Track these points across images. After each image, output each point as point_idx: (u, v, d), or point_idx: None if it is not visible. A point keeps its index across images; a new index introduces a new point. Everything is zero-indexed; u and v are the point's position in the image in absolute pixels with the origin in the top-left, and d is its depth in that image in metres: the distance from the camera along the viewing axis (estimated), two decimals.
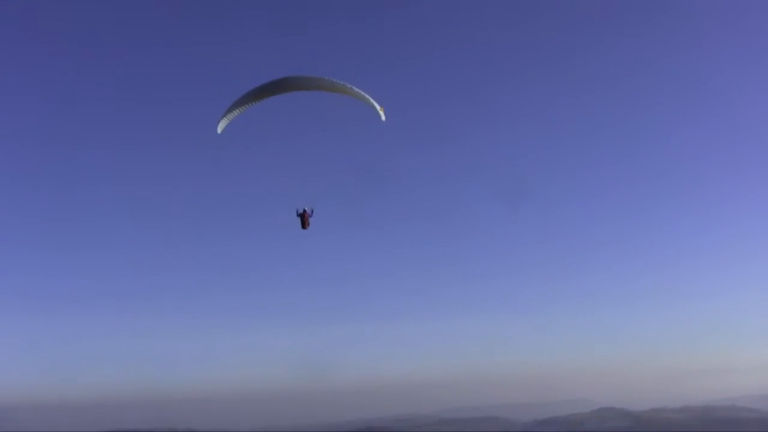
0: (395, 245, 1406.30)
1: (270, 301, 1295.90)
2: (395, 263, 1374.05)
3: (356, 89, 49.92)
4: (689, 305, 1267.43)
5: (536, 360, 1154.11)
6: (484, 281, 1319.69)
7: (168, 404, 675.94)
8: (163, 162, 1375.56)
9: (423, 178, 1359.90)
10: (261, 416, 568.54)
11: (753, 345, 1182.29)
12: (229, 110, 50.90)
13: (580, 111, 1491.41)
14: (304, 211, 54.65)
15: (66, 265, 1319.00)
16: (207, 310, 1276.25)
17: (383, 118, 51.40)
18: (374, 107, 51.01)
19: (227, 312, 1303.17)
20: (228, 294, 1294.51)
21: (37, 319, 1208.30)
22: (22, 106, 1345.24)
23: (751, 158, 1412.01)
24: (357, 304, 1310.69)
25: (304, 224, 54.75)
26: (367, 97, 50.50)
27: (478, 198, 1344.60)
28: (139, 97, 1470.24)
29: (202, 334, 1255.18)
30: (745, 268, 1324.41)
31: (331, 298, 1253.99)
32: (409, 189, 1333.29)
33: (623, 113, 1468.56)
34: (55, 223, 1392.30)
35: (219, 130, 51.44)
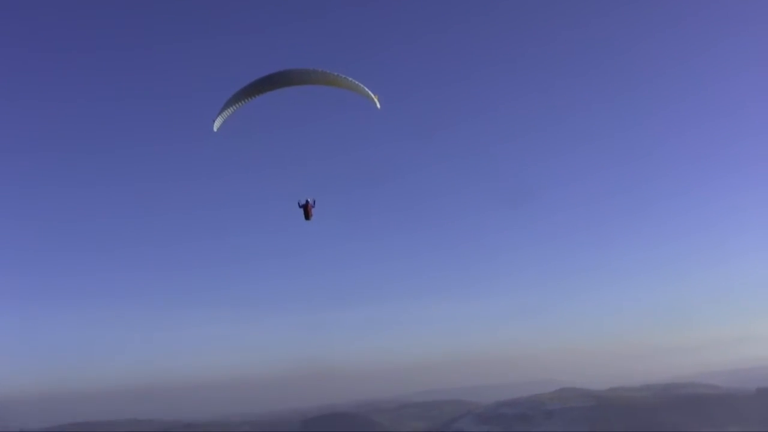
0: (365, 232, 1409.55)
1: (231, 292, 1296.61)
2: (361, 249, 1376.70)
3: (350, 79, 49.43)
4: (648, 285, 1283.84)
5: (496, 342, 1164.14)
6: (448, 268, 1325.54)
7: (128, 394, 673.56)
8: (157, 159, 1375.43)
9: (412, 172, 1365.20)
10: (210, 405, 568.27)
11: (711, 323, 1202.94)
12: (224, 108, 50.41)
13: (566, 100, 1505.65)
14: (307, 202, 54.21)
15: (61, 262, 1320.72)
16: (187, 302, 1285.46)
17: (378, 105, 51.15)
18: (369, 96, 50.71)
19: (188, 303, 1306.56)
20: (197, 285, 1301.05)
21: (32, 313, 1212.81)
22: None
23: (711, 154, 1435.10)
24: (320, 291, 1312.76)
25: (308, 215, 54.40)
26: (362, 86, 50.07)
27: (454, 187, 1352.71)
28: (131, 95, 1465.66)
29: (173, 328, 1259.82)
30: (703, 250, 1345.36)
31: (295, 287, 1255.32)
32: (395, 183, 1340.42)
33: (609, 101, 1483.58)
34: (52, 222, 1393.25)
35: (215, 128, 51.07)
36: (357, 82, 49.88)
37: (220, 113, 50.42)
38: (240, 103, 49.94)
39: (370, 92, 50.61)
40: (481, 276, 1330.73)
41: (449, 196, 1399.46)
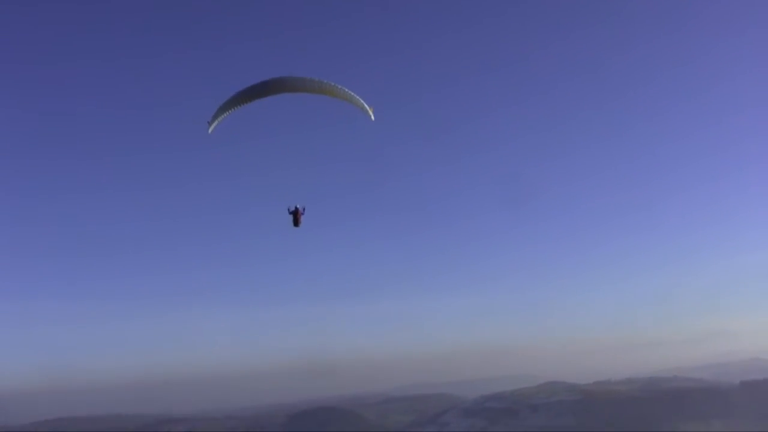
0: (349, 230, 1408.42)
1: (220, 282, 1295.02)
2: (347, 246, 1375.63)
3: (346, 90, 50.10)
4: (630, 279, 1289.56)
5: (479, 337, 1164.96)
6: (433, 260, 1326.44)
7: (113, 390, 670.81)
8: (162, 163, 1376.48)
9: (412, 173, 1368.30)
10: (195, 400, 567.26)
11: (692, 317, 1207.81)
12: (219, 111, 51.08)
13: (566, 100, 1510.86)
14: (296, 208, 54.55)
15: (60, 260, 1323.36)
16: (170, 298, 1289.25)
17: (372, 118, 51.55)
18: (363, 108, 51.30)
19: (172, 298, 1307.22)
20: (181, 282, 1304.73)
21: (20, 308, 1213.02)
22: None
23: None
24: (306, 287, 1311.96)
25: (296, 222, 54.71)
26: (357, 97, 50.59)
27: (448, 187, 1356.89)
28: (128, 101, 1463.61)
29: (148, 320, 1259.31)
30: (685, 243, 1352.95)
31: (282, 283, 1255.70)
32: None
33: (608, 102, 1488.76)
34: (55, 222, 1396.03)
35: (210, 131, 51.71)
36: (352, 93, 50.41)
37: (215, 116, 51.05)
38: (235, 107, 50.40)
39: (365, 104, 51.19)
40: (466, 272, 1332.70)
41: (443, 196, 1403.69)
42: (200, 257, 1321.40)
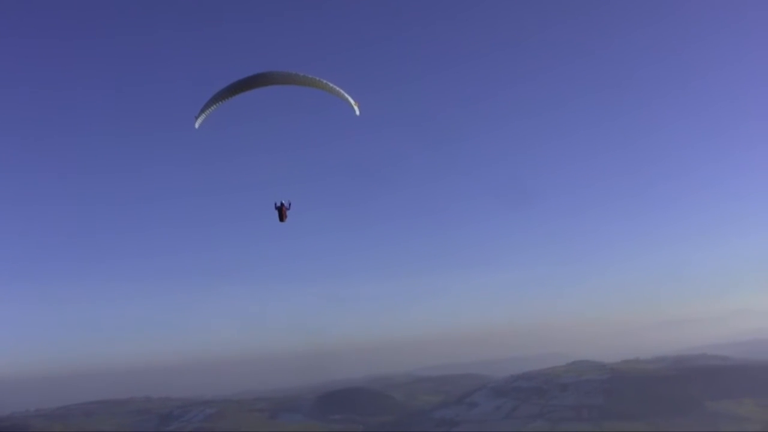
0: (373, 215, 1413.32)
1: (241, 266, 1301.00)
2: (371, 229, 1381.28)
3: (331, 84, 50.80)
4: (655, 258, 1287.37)
5: (507, 316, 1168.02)
6: (455, 240, 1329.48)
7: (142, 373, 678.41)
8: (164, 156, 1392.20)
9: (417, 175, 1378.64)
10: (231, 382, 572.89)
11: (717, 295, 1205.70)
12: (206, 106, 51.49)
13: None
14: (281, 204, 54.55)
15: (82, 244, 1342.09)
16: (195, 281, 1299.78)
17: (357, 112, 52.16)
18: (348, 102, 51.87)
19: (197, 282, 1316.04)
20: (205, 265, 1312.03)
21: (43, 295, 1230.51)
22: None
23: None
24: (332, 266, 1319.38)
25: (282, 217, 54.60)
26: (342, 92, 51.34)
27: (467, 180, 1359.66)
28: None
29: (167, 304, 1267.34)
30: (710, 220, 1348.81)
31: (305, 265, 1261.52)
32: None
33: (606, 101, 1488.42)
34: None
35: (197, 125, 52.28)
36: (339, 89, 51.16)
37: (202, 111, 51.55)
38: (221, 102, 50.83)
39: (350, 99, 51.81)
40: (491, 251, 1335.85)
41: (460, 187, 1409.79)
42: (227, 237, 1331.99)
